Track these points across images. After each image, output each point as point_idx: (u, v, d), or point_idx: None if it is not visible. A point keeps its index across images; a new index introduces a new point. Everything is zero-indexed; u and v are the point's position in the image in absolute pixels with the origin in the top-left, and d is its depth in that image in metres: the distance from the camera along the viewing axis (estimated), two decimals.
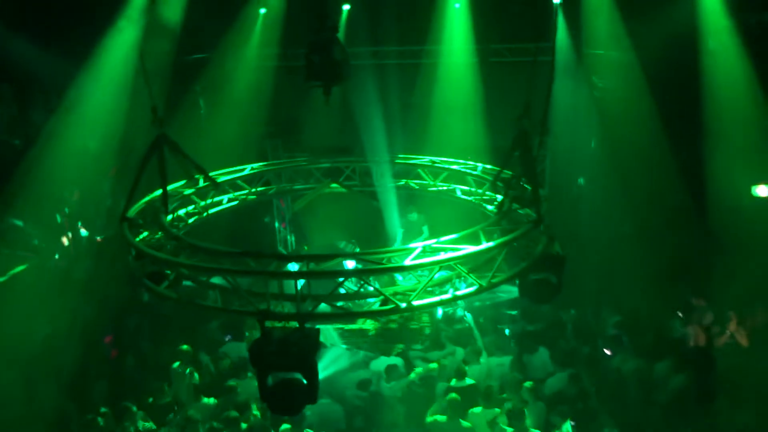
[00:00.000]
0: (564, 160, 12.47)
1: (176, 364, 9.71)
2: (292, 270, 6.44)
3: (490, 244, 6.20)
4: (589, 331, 10.84)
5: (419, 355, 10.19)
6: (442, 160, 9.40)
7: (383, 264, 6.07)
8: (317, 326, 5.87)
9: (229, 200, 9.06)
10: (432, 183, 9.44)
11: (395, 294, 6.18)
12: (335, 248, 11.94)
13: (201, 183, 8.48)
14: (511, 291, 10.19)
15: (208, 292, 6.45)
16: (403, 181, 9.73)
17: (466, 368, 9.16)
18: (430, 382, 9.01)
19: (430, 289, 6.29)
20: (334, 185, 9.66)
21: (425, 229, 12.07)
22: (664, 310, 10.66)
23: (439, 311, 11.05)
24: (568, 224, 11.51)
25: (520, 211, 7.07)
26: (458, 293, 6.28)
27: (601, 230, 12.46)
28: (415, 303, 6.02)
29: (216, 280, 6.43)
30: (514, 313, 11.25)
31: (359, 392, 9.06)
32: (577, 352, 10.26)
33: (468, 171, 8.92)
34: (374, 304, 6.29)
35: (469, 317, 10.69)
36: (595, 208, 12.57)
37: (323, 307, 6.11)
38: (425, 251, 6.14)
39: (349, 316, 7.44)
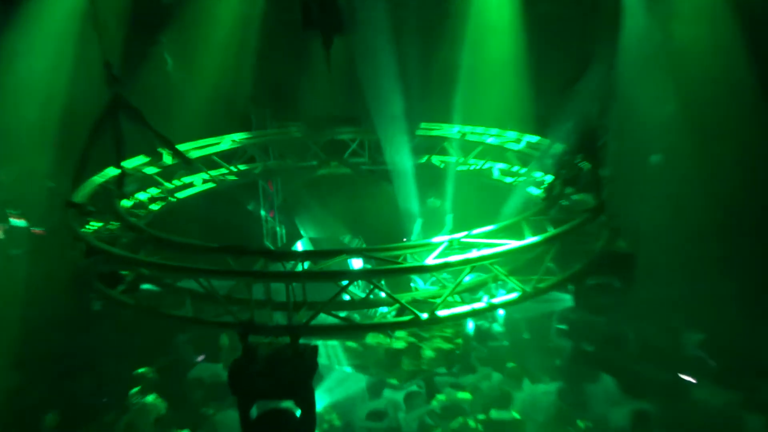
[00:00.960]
0: (633, 130, 12.10)
1: (134, 391, 9.75)
2: (282, 271, 6.52)
3: (537, 238, 6.33)
4: (662, 353, 10.69)
5: (447, 381, 10.13)
6: (474, 132, 9.51)
7: (399, 263, 6.14)
8: (315, 342, 5.98)
9: (204, 182, 9.30)
10: (462, 160, 9.63)
11: (414, 302, 6.35)
12: (337, 243, 11.90)
13: (167, 159, 8.71)
14: (562, 299, 10.15)
15: (176, 298, 6.56)
16: (424, 158, 9.91)
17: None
18: (457, 413, 8.96)
19: (457, 297, 6.45)
20: (335, 163, 9.79)
21: (449, 219, 12.03)
22: (762, 326, 10.43)
23: (470, 325, 11.00)
24: (637, 213, 11.26)
25: (574, 197, 7.37)
26: (495, 301, 6.40)
27: (679, 222, 12.25)
28: (440, 313, 6.09)
29: (186, 283, 6.57)
30: (564, 327, 11.18)
31: (370, 425, 9.07)
32: (647, 380, 10.13)
33: (508, 145, 9.04)
34: (388, 314, 6.47)
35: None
36: (672, 193, 12.34)
37: (322, 317, 6.23)
38: (452, 247, 6.29)
39: (355, 329, 7.39)
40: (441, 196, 12.09)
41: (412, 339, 10.47)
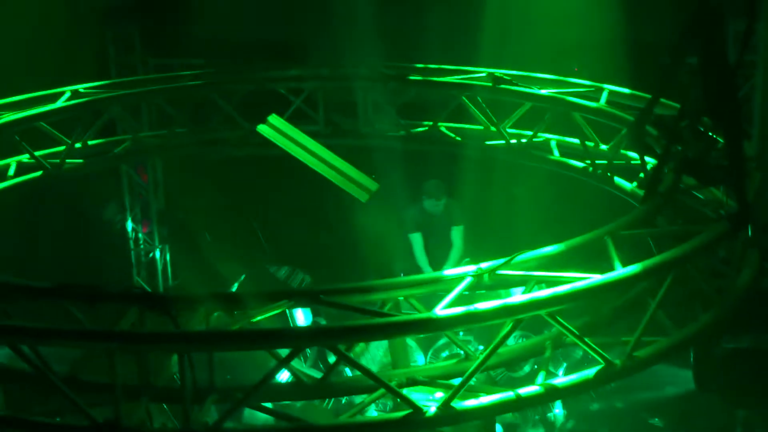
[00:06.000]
0: None
1: None
2: (172, 331, 5.06)
3: (633, 267, 5.08)
4: None
5: None
6: (516, 77, 8.34)
7: (381, 316, 4.93)
8: None
9: (21, 171, 8.04)
10: (491, 128, 8.44)
11: (408, 383, 5.31)
12: (268, 280, 10.14)
13: None
14: (676, 378, 8.34)
15: None
16: (426, 125, 8.67)
17: None
18: None
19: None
20: (263, 128, 8.02)
21: (458, 234, 9.91)
22: None
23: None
24: None
25: (696, 194, 6.34)
26: (557, 382, 5.12)
27: None
28: (460, 405, 4.90)
29: None
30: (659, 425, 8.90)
31: None
32: None
33: (577, 100, 7.81)
34: (363, 407, 5.47)
35: None
36: None
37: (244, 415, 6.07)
38: (479, 284, 5.20)
39: None
40: (450, 194, 10.27)
41: None
